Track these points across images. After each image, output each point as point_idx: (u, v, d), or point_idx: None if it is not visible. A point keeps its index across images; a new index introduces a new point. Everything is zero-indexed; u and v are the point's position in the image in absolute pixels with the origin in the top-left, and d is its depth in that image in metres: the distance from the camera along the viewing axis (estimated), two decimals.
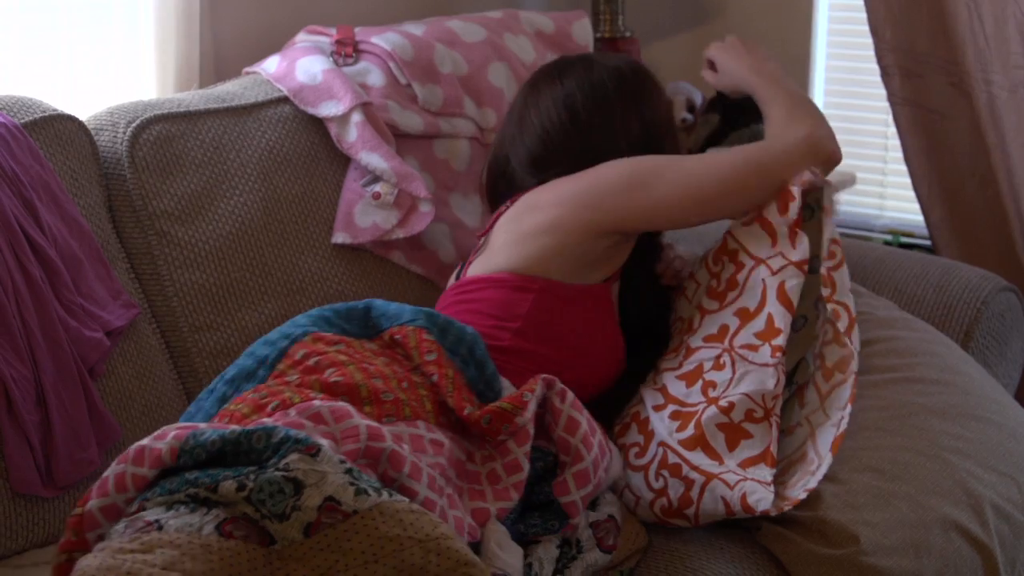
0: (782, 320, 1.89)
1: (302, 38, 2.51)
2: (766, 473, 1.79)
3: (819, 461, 1.82)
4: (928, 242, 2.83)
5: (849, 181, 3.13)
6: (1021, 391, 2.30)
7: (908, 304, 2.27)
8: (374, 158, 2.29)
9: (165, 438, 1.50)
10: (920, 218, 2.84)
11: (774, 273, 1.93)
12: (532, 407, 1.72)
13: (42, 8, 2.31)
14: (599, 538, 1.76)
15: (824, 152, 1.99)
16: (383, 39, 2.46)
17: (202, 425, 1.53)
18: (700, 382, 1.90)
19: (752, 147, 2.03)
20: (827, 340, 1.95)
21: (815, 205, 1.96)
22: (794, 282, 1.91)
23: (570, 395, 1.77)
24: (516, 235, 2.00)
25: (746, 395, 1.84)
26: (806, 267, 1.92)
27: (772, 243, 1.95)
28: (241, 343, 2.07)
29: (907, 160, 2.79)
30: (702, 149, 2.94)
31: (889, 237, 2.95)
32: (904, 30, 2.71)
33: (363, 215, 2.29)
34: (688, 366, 1.94)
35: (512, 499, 1.68)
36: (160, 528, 1.40)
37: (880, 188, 3.16)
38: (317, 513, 1.40)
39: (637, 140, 2.05)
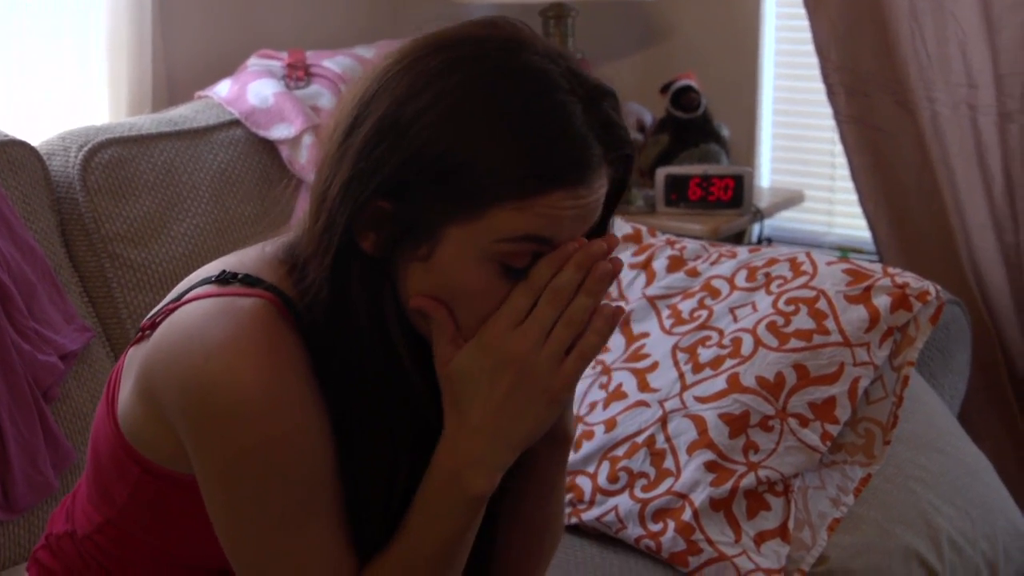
0: (843, 412, 1.86)
1: (254, 62, 2.52)
2: (781, 555, 1.75)
3: (812, 541, 1.78)
4: (876, 257, 2.87)
5: (797, 199, 3.17)
6: (966, 403, 2.33)
7: None
8: None
9: None
10: (868, 234, 2.87)
11: (855, 365, 1.88)
12: None
13: None
14: None
15: None
16: (334, 62, 2.48)
17: None
18: (743, 438, 1.83)
19: None
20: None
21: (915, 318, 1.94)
22: (866, 383, 1.88)
23: None
24: None
25: (781, 473, 1.80)
26: (878, 370, 1.90)
27: (866, 329, 1.90)
28: None
29: (854, 177, 2.83)
30: (652, 168, 2.97)
31: (838, 253, 2.98)
32: (848, 50, 2.75)
33: None
34: (732, 406, 1.85)
35: None
36: None
37: (828, 205, 3.20)
38: None
39: None
